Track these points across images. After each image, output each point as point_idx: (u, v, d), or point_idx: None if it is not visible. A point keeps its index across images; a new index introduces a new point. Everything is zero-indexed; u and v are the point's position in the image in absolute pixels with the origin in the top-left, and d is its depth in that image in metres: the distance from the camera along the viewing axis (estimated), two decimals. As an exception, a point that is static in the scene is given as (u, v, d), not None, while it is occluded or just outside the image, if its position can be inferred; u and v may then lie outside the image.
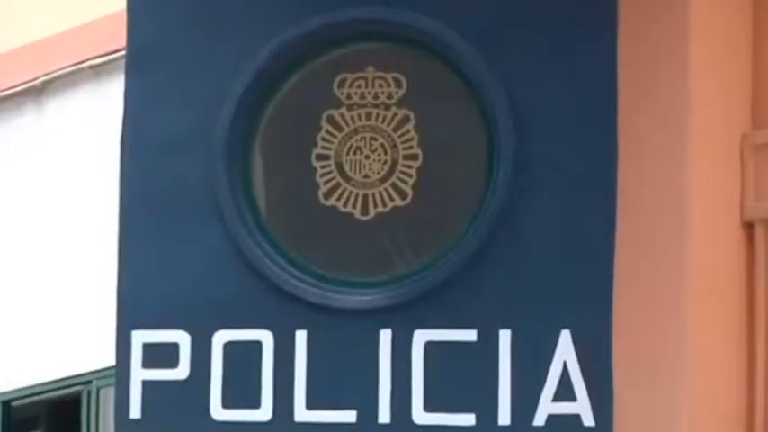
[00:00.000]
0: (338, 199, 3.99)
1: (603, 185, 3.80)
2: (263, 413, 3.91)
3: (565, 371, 3.78)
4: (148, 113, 4.10)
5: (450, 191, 4.02)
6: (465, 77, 3.92)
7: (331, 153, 3.99)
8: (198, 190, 4.04)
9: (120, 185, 4.12)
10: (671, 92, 3.78)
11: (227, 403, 3.95)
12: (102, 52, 6.45)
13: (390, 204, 3.96)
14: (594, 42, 3.83)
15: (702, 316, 3.77)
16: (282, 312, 3.95)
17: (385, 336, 3.84)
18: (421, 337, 3.83)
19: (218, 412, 3.94)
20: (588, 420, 3.74)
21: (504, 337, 3.80)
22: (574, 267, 3.83)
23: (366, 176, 3.98)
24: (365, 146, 3.98)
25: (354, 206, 3.99)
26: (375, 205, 3.98)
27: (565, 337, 3.77)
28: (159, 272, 4.06)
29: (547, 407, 3.79)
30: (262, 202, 4.08)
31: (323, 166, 4.00)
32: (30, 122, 7.43)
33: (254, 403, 3.93)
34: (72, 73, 7.08)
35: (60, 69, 7.18)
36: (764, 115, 3.82)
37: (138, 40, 4.14)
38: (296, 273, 3.98)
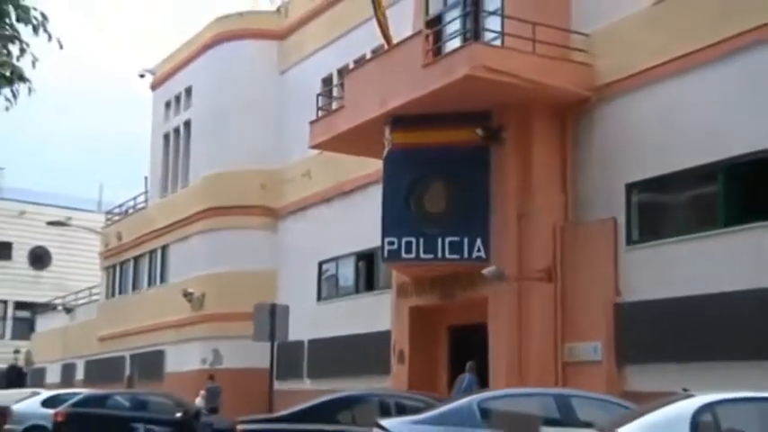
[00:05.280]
0: (430, 209, 16.67)
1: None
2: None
3: (478, 249, 16.23)
4: (389, 200, 16.75)
5: (460, 208, 16.31)
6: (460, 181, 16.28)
7: (427, 200, 16.64)
8: (395, 212, 16.55)
9: (383, 205, 16.92)
10: (513, 201, 16.00)
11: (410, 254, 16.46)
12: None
13: (441, 209, 16.57)
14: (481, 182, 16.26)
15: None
16: (418, 234, 16.48)
17: (449, 240, 16.24)
18: (445, 240, 16.25)
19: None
20: (484, 257, 16.14)
21: (465, 237, 16.19)
22: (482, 223, 16.10)
23: (432, 204, 16.59)
24: (434, 198, 16.54)
25: (431, 209, 16.66)
26: (435, 210, 16.58)
27: (479, 240, 16.20)
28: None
29: (476, 253, 16.19)
30: (413, 211, 16.66)
31: (425, 202, 16.61)
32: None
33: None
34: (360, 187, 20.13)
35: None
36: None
37: (387, 189, 16.88)
38: (419, 226, 16.66)
